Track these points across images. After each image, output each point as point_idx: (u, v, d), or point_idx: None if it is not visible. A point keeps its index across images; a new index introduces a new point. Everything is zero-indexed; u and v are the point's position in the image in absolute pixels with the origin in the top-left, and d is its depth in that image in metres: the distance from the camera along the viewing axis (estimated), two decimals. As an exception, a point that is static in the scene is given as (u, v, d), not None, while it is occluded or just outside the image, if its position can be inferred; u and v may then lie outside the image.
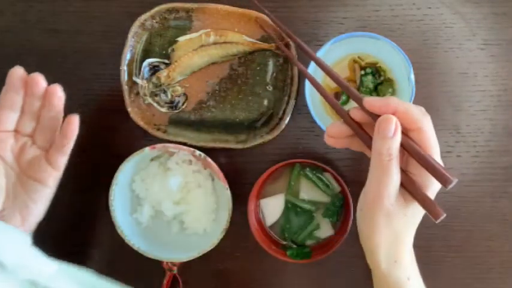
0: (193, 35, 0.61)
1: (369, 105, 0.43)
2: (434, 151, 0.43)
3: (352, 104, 0.59)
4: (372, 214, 0.43)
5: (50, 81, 0.62)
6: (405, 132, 0.42)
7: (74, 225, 0.63)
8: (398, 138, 0.41)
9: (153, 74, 0.61)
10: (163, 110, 0.61)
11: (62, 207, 0.63)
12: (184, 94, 0.62)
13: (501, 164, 0.62)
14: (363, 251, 0.62)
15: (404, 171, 0.43)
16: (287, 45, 0.60)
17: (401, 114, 0.42)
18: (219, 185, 0.59)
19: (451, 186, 0.40)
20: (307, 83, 0.56)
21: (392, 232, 0.44)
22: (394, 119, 0.41)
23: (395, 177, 0.42)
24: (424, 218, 0.62)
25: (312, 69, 0.56)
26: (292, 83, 0.60)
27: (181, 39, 0.61)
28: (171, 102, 0.61)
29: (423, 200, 0.42)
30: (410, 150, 0.42)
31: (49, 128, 0.53)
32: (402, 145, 0.42)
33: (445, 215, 0.40)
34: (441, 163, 0.43)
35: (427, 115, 0.43)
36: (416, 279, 0.47)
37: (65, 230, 0.63)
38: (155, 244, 0.59)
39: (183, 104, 0.62)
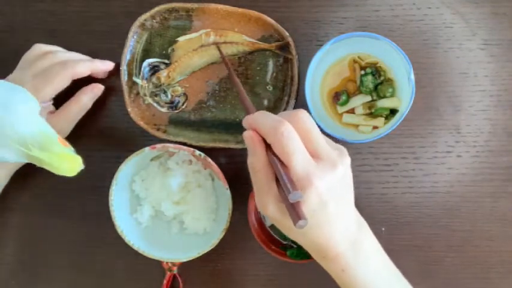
0: (193, 35, 0.61)
1: (245, 124, 0.46)
2: (315, 142, 0.43)
3: (352, 104, 0.59)
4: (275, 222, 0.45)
5: (50, 81, 0.62)
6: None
7: (74, 225, 0.63)
8: (259, 154, 0.43)
9: (153, 74, 0.61)
10: (163, 110, 0.61)
11: (62, 207, 0.63)
12: (184, 94, 0.62)
13: (501, 164, 0.62)
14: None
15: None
16: (287, 45, 0.60)
17: (258, 130, 0.44)
18: (219, 185, 0.59)
19: (294, 198, 0.40)
20: (307, 83, 0.56)
21: (300, 232, 0.44)
22: (250, 137, 0.43)
23: (266, 188, 0.43)
24: (424, 217, 0.62)
25: (312, 69, 0.56)
26: (292, 83, 0.60)
27: (181, 39, 0.61)
28: (171, 102, 0.61)
29: (288, 206, 0.42)
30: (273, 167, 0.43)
31: None
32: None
33: (305, 221, 0.40)
34: (326, 151, 0.43)
35: (280, 128, 0.42)
36: (353, 268, 0.46)
37: (65, 230, 0.63)
38: (155, 244, 0.59)
39: (183, 104, 0.62)
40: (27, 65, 0.57)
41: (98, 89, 0.60)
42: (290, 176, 0.41)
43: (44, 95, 0.55)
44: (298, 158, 0.41)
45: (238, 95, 0.50)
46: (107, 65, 0.60)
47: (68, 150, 0.49)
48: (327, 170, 0.42)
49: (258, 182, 0.43)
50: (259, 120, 0.44)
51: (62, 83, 0.56)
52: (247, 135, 0.44)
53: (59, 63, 0.57)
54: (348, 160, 0.45)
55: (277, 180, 0.43)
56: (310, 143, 0.43)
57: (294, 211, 0.40)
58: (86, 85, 0.60)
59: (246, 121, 0.45)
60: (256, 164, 0.43)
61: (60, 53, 0.59)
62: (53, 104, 0.59)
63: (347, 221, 0.46)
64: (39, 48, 0.59)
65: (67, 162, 0.49)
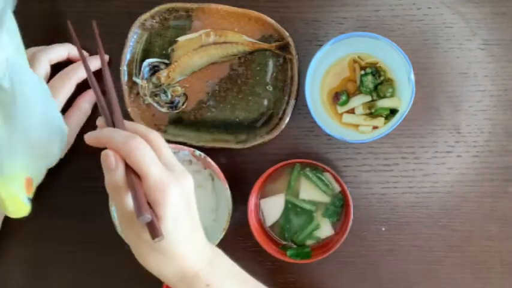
0: (193, 35, 0.61)
1: (88, 141, 0.45)
2: (166, 154, 0.45)
3: (352, 104, 0.59)
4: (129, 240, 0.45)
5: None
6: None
7: (74, 225, 0.63)
8: (120, 168, 0.43)
9: (153, 74, 0.61)
10: (163, 110, 0.61)
11: (62, 207, 0.63)
12: (184, 94, 0.62)
13: (501, 164, 0.62)
14: (363, 251, 0.62)
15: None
16: (287, 45, 0.60)
17: (110, 147, 0.44)
18: (219, 185, 0.59)
19: (142, 219, 0.41)
20: (307, 83, 0.56)
21: (159, 252, 0.44)
22: (111, 153, 0.43)
23: (127, 202, 0.43)
24: (424, 217, 0.62)
25: (312, 69, 0.56)
26: (292, 83, 0.60)
27: (181, 39, 0.61)
28: (171, 102, 0.61)
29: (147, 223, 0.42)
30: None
31: None
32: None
33: (160, 237, 0.41)
34: (175, 162, 0.45)
35: (133, 141, 0.43)
36: (219, 281, 0.47)
37: (65, 230, 0.63)
38: (155, 244, 0.59)
39: (183, 104, 0.62)
40: None
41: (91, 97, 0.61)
42: (141, 197, 0.42)
43: None
44: (153, 167, 0.42)
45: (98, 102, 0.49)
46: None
47: (23, 196, 0.49)
48: (181, 177, 0.44)
49: (117, 199, 0.44)
50: (110, 134, 0.44)
51: (67, 95, 0.58)
52: (107, 153, 0.43)
53: (59, 78, 0.58)
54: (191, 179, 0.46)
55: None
56: (162, 156, 0.44)
57: (151, 227, 0.41)
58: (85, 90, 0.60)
59: (95, 138, 0.45)
60: (116, 180, 0.43)
61: (40, 60, 0.57)
62: None
63: (201, 239, 0.47)
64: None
65: (14, 206, 0.49)
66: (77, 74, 0.58)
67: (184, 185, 0.44)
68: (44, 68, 0.57)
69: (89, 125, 0.61)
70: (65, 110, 0.59)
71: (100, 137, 0.45)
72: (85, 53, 0.59)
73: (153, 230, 0.41)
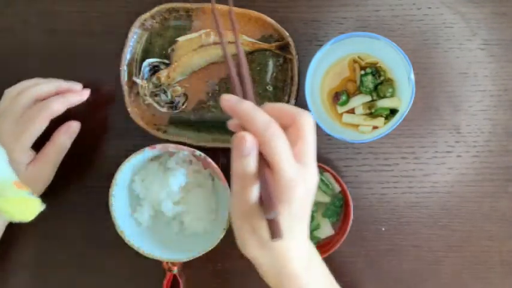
0: (193, 35, 0.61)
1: (222, 104, 0.41)
2: (307, 148, 0.41)
3: (352, 104, 0.59)
4: (241, 230, 0.43)
5: (50, 81, 0.62)
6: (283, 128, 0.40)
7: (74, 225, 0.63)
8: (254, 155, 0.39)
9: (153, 74, 0.61)
10: (163, 110, 0.61)
11: (62, 207, 0.63)
12: (184, 94, 0.62)
13: (501, 164, 0.62)
14: (363, 251, 0.63)
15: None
16: (287, 45, 0.60)
17: (246, 125, 0.40)
18: (219, 185, 0.59)
19: (270, 216, 0.39)
20: (307, 83, 0.56)
21: (262, 248, 0.42)
22: (248, 137, 0.39)
23: (252, 194, 0.40)
24: (424, 217, 0.62)
25: (312, 69, 0.56)
26: (292, 83, 0.60)
27: (181, 39, 0.61)
28: (171, 102, 0.61)
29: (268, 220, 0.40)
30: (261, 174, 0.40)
31: None
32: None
33: (280, 237, 0.39)
34: (312, 160, 0.42)
35: (306, 112, 0.41)
36: (315, 282, 0.45)
37: (65, 230, 0.63)
38: (155, 244, 0.59)
39: (183, 104, 0.62)
40: (3, 114, 0.56)
41: (74, 127, 0.60)
42: (271, 191, 0.39)
43: (23, 143, 0.55)
44: (287, 163, 0.40)
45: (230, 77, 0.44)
46: (83, 95, 0.59)
47: (24, 193, 0.47)
48: (308, 177, 0.41)
49: (241, 191, 0.41)
50: (252, 114, 0.40)
51: (39, 128, 0.55)
52: (244, 136, 0.39)
53: (34, 108, 0.56)
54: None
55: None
56: (301, 146, 0.41)
57: (273, 225, 0.39)
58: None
59: (229, 107, 0.40)
60: (250, 167, 0.39)
61: (27, 92, 0.57)
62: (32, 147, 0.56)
63: (306, 236, 0.45)
64: (9, 93, 0.58)
65: (23, 207, 0.47)
66: (51, 109, 0.56)
67: (311, 185, 0.42)
68: (43, 128, 0.56)
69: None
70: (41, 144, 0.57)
71: (240, 112, 0.40)
72: (72, 96, 0.58)
73: (275, 229, 0.39)
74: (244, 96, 0.43)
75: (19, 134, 0.55)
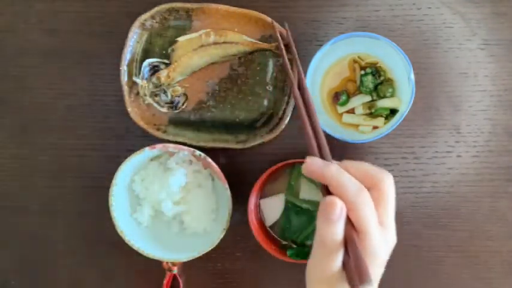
0: (193, 35, 0.61)
1: (308, 173, 0.42)
2: (388, 211, 0.42)
3: (352, 104, 0.59)
4: None
5: (49, 81, 0.63)
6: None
7: (74, 225, 0.63)
8: (342, 221, 0.39)
9: (153, 74, 0.61)
10: (163, 110, 0.61)
11: (62, 207, 0.63)
12: (184, 94, 0.62)
13: (501, 164, 0.62)
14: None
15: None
16: (287, 46, 0.60)
17: (334, 190, 0.40)
18: (219, 185, 0.59)
19: (363, 286, 0.38)
20: (307, 82, 0.56)
21: None
22: (338, 203, 0.39)
23: (337, 261, 0.40)
24: (424, 217, 0.62)
25: (312, 69, 0.56)
26: (292, 83, 0.60)
27: (181, 39, 0.61)
28: (171, 102, 0.61)
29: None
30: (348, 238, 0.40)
31: None
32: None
33: None
34: (392, 222, 0.42)
35: (388, 174, 0.42)
36: None
37: (64, 230, 0.63)
38: (155, 244, 0.59)
39: (183, 104, 0.62)
40: None
41: None
42: (361, 260, 0.38)
43: None
44: (375, 229, 0.39)
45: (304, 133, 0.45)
46: None
47: None
48: (390, 240, 0.42)
49: (330, 253, 0.40)
50: (341, 179, 0.40)
51: None
52: (334, 201, 0.39)
53: None
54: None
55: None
56: (383, 211, 0.41)
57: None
58: None
59: (319, 174, 0.41)
60: (337, 234, 0.39)
61: None
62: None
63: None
64: None
65: None
66: None
67: (391, 246, 0.42)
68: None
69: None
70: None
71: (328, 177, 0.40)
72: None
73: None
74: (320, 150, 0.44)
75: None
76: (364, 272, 0.38)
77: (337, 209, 0.39)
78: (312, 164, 0.42)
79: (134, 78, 0.61)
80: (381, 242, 0.40)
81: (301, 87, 0.50)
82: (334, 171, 0.40)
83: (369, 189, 0.41)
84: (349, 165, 0.42)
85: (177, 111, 0.62)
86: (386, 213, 0.42)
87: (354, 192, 0.39)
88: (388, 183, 0.42)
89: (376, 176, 0.42)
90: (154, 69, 0.61)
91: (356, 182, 0.40)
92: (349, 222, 0.40)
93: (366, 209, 0.39)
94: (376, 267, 0.40)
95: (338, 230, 0.39)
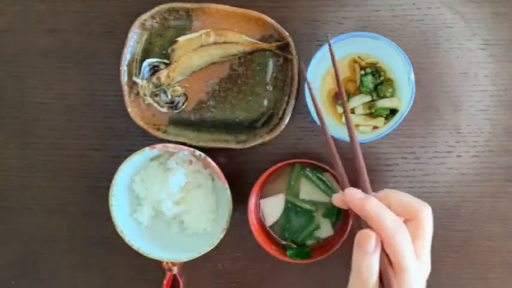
0: (193, 35, 0.61)
1: (342, 205, 0.43)
2: (426, 244, 0.42)
3: (352, 104, 0.59)
4: None
5: (49, 81, 0.63)
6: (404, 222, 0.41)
7: (74, 225, 0.63)
8: (378, 253, 0.40)
9: (153, 74, 0.61)
10: (163, 110, 0.61)
11: (62, 207, 0.63)
12: (184, 94, 0.62)
13: (501, 164, 0.62)
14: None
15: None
16: (287, 46, 0.60)
17: (372, 223, 0.41)
18: (219, 185, 0.59)
19: None
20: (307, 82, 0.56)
21: None
22: (374, 236, 0.40)
23: None
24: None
25: (312, 69, 0.56)
26: (292, 83, 0.60)
27: (181, 39, 0.61)
28: (171, 102, 0.61)
29: None
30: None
31: None
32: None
33: None
34: (428, 254, 0.43)
35: (427, 205, 0.42)
36: None
37: (65, 230, 0.63)
38: (155, 244, 0.59)
39: (183, 104, 0.62)
40: None
41: None
42: None
43: None
44: (412, 263, 0.40)
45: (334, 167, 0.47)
46: None
47: None
48: (426, 271, 0.42)
49: (362, 286, 0.41)
50: (380, 213, 0.40)
51: None
52: (369, 234, 0.40)
53: None
54: None
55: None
56: (421, 244, 0.42)
57: None
58: None
59: (359, 208, 0.41)
60: (373, 266, 0.40)
61: None
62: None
63: None
64: None
65: None
66: None
67: (426, 275, 0.43)
68: None
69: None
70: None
71: (366, 212, 0.41)
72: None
73: None
74: (362, 185, 0.45)
75: None
76: None
77: (372, 242, 0.40)
78: (352, 195, 0.42)
79: (134, 78, 0.61)
80: (417, 276, 0.40)
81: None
82: (374, 204, 0.41)
83: (407, 220, 0.42)
84: (389, 195, 0.43)
85: (177, 111, 0.62)
86: (423, 246, 0.42)
87: (393, 228, 0.40)
88: (426, 215, 0.42)
89: (415, 208, 0.42)
90: (154, 69, 0.61)
91: (395, 218, 0.41)
92: (386, 257, 0.41)
93: (403, 245, 0.40)
94: None
95: (373, 262, 0.40)
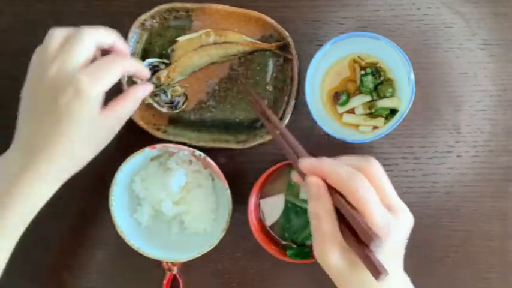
0: (193, 35, 0.61)
1: (304, 168, 0.45)
2: (388, 192, 0.43)
3: (352, 104, 0.59)
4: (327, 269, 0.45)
5: (50, 81, 0.62)
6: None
7: (74, 225, 0.63)
8: (324, 200, 0.43)
9: (153, 74, 0.61)
10: (163, 110, 0.61)
11: (62, 207, 0.63)
12: (184, 94, 0.62)
13: (501, 164, 0.62)
14: (363, 251, 0.62)
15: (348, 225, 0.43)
16: (287, 46, 0.60)
17: (330, 179, 0.43)
18: (219, 185, 0.59)
19: (374, 245, 0.40)
20: (307, 82, 0.56)
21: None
22: (316, 184, 0.43)
23: (329, 236, 0.42)
24: (424, 217, 0.62)
25: (312, 69, 0.56)
26: (292, 83, 0.60)
27: (181, 39, 0.61)
28: (171, 102, 0.62)
29: (364, 257, 0.41)
30: (345, 214, 0.43)
31: None
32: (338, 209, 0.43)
33: (387, 274, 0.39)
34: (400, 202, 0.43)
35: (370, 158, 0.44)
36: None
37: (65, 230, 0.63)
38: (155, 244, 0.59)
39: (183, 104, 0.62)
40: (56, 57, 0.49)
41: (149, 88, 0.56)
42: (367, 224, 0.40)
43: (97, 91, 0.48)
44: (376, 208, 0.41)
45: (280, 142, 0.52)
46: (145, 73, 0.56)
47: None
48: (403, 224, 0.43)
49: (321, 229, 0.43)
50: (333, 169, 0.43)
51: (115, 77, 0.49)
52: (314, 181, 0.43)
53: (111, 56, 0.50)
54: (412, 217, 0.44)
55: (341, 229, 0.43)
56: (383, 193, 0.43)
57: (372, 262, 0.40)
58: None
59: (314, 167, 0.44)
60: (321, 210, 0.43)
61: (90, 35, 0.48)
62: None
63: (401, 269, 0.46)
64: (59, 32, 0.50)
65: None
66: (123, 65, 0.50)
67: (405, 228, 0.43)
68: (89, 50, 0.48)
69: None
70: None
71: (321, 169, 0.44)
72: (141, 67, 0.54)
73: (375, 265, 0.40)
74: (298, 154, 0.48)
75: (92, 81, 0.47)
76: (380, 268, 0.39)
77: (314, 188, 0.43)
78: (307, 162, 0.45)
79: (134, 79, 0.61)
80: (387, 224, 0.41)
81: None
82: (327, 162, 0.44)
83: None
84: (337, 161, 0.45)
85: (177, 111, 0.62)
86: (387, 195, 0.43)
87: (346, 176, 0.42)
88: (373, 167, 0.43)
89: (361, 167, 0.43)
90: (154, 69, 0.61)
91: (348, 168, 0.42)
92: (349, 204, 0.42)
93: (361, 193, 0.41)
94: (386, 246, 0.41)
95: (326, 203, 0.43)
